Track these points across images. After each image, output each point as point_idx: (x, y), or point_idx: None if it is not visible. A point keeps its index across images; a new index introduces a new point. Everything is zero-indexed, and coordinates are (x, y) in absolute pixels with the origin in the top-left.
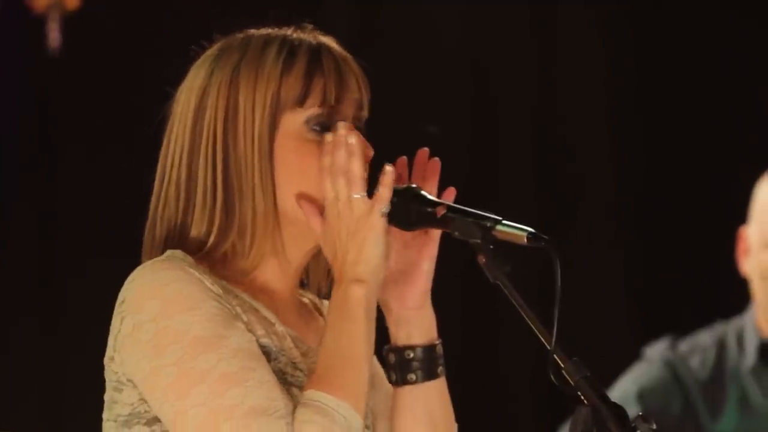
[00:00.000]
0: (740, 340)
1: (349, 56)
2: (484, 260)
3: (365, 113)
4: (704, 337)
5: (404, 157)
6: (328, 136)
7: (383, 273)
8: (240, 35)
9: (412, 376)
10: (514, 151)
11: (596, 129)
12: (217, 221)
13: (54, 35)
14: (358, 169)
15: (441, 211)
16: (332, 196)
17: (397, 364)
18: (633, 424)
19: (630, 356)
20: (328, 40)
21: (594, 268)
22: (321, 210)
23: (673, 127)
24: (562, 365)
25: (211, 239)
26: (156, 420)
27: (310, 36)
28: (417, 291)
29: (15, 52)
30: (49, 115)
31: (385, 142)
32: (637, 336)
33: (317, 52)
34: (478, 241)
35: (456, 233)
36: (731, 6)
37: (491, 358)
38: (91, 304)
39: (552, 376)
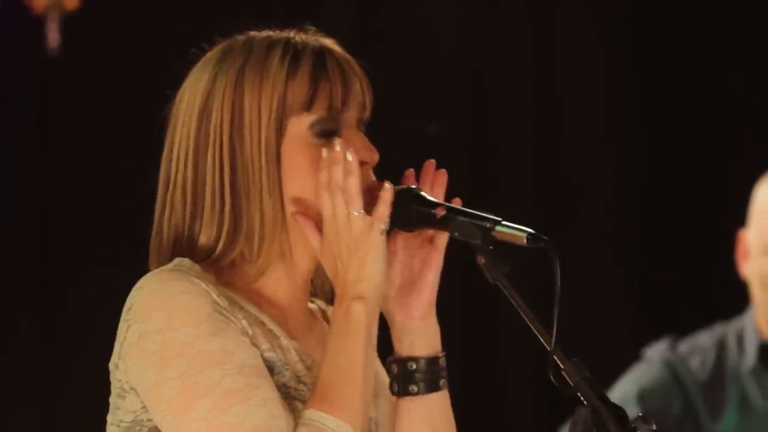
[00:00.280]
0: (740, 340)
1: (351, 59)
2: (483, 261)
3: (368, 114)
4: (704, 338)
5: (412, 170)
6: (324, 151)
7: (384, 290)
8: (242, 37)
9: (414, 388)
10: (512, 152)
11: (595, 130)
12: (225, 226)
13: (53, 35)
14: (355, 187)
15: (440, 212)
16: (330, 212)
17: (399, 374)
18: (633, 425)
19: (630, 357)
20: (331, 43)
21: (593, 268)
22: (319, 224)
23: (672, 128)
24: (562, 366)
25: (220, 245)
26: (157, 430)
27: (313, 38)
28: (422, 301)
29: (14, 53)
30: (49, 116)
31: (385, 142)
32: (637, 337)
33: (321, 55)
34: (478, 241)
35: (456, 234)
36: (729, 8)
37: (491, 359)
38: (91, 306)
39: (552, 377)
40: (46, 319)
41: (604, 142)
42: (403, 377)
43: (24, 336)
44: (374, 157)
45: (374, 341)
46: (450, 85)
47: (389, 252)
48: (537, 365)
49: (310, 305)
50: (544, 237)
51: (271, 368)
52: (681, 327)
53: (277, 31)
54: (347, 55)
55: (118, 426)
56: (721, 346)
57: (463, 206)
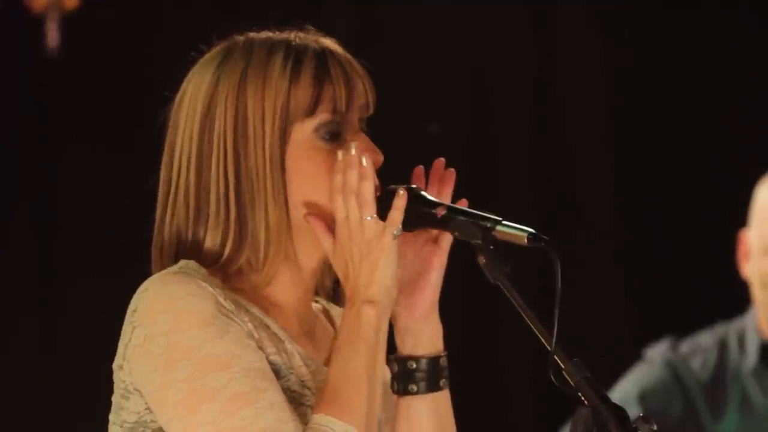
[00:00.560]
0: (741, 340)
1: (353, 59)
2: (484, 261)
3: (370, 112)
4: (705, 338)
5: (421, 167)
6: (340, 154)
7: (395, 293)
8: (242, 38)
9: (414, 387)
10: (512, 152)
11: (595, 130)
12: (231, 234)
13: (53, 35)
14: (369, 192)
15: (441, 212)
16: (343, 215)
17: (399, 373)
18: (634, 425)
19: (630, 357)
20: (332, 44)
21: (594, 268)
22: (330, 224)
23: (673, 128)
24: (563, 366)
25: (226, 252)
26: (161, 431)
27: (313, 40)
28: (425, 301)
29: (14, 52)
30: (48, 115)
31: (385, 142)
32: (638, 337)
33: (323, 57)
34: (479, 241)
35: (456, 233)
36: (730, 7)
37: (491, 359)
38: (91, 306)
39: (552, 377)
40: (46, 318)
41: (605, 142)
42: (404, 376)
43: (24, 336)
44: (378, 158)
45: (384, 345)
46: (450, 85)
47: None
48: (537, 365)
49: (314, 305)
50: (545, 237)
51: (276, 372)
52: (682, 327)
53: (277, 32)
54: (348, 56)
55: (121, 426)
56: (722, 346)
57: (466, 206)
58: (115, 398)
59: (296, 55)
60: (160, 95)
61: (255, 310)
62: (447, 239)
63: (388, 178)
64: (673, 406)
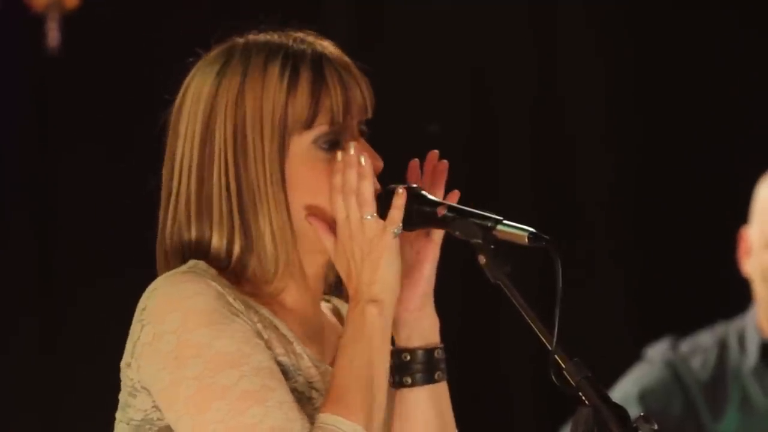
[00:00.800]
0: (741, 340)
1: (350, 62)
2: (484, 260)
3: (369, 115)
4: (705, 338)
5: (416, 160)
6: (339, 155)
7: (398, 290)
8: (241, 41)
9: (408, 380)
10: (513, 152)
11: (595, 129)
12: (237, 243)
13: (53, 34)
14: (368, 191)
15: (442, 211)
16: (343, 215)
17: (394, 366)
18: (634, 425)
19: (631, 357)
20: (329, 48)
21: (594, 268)
22: (332, 226)
23: (673, 127)
24: (563, 366)
25: (234, 260)
26: (167, 429)
27: (310, 45)
28: (417, 293)
29: (14, 51)
30: (48, 114)
31: (385, 142)
32: (638, 337)
33: (319, 65)
34: (479, 240)
35: (457, 233)
36: (729, 7)
37: (492, 359)
38: (91, 306)
39: (553, 377)
40: (46, 318)
41: (604, 142)
42: (398, 368)
43: (24, 336)
44: (378, 164)
45: (388, 343)
46: (450, 85)
47: None
48: (538, 365)
49: (325, 305)
50: (546, 236)
51: (284, 373)
52: (682, 327)
53: (275, 36)
54: (346, 59)
55: (128, 424)
56: (722, 346)
57: (464, 205)
58: (122, 396)
59: (293, 64)
60: (161, 95)
61: (264, 311)
62: (439, 232)
63: (389, 178)
64: (674, 405)
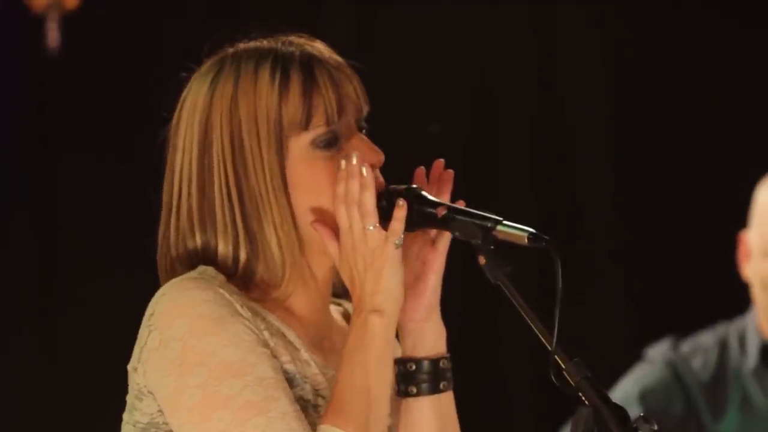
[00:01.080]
0: (742, 341)
1: (340, 61)
2: (484, 260)
3: (366, 111)
4: (706, 338)
5: (422, 168)
6: (343, 163)
7: (401, 301)
8: (231, 51)
9: (413, 389)
10: (513, 152)
11: (596, 130)
12: (243, 251)
13: (53, 35)
14: (370, 202)
15: (442, 212)
16: (346, 225)
17: (399, 375)
18: (634, 425)
19: (631, 357)
20: (319, 49)
21: (594, 268)
22: (337, 232)
23: (673, 128)
24: (563, 366)
25: (240, 267)
26: None
27: (299, 48)
28: (422, 304)
29: (14, 52)
30: (48, 115)
31: (386, 142)
32: (638, 337)
33: (309, 66)
34: (479, 241)
35: (457, 233)
36: (730, 8)
37: (492, 359)
38: (91, 309)
39: (553, 377)
40: (46, 319)
41: (605, 143)
42: (404, 378)
43: (23, 336)
44: (379, 157)
45: (391, 353)
46: (450, 86)
47: None
48: (538, 365)
49: (335, 308)
50: (545, 237)
51: (290, 381)
52: (682, 327)
53: (265, 41)
54: (336, 58)
55: (134, 426)
56: (722, 346)
57: (464, 205)
58: (129, 398)
59: (283, 66)
60: (160, 96)
61: (272, 318)
62: (444, 243)
63: (389, 178)
64: (674, 405)
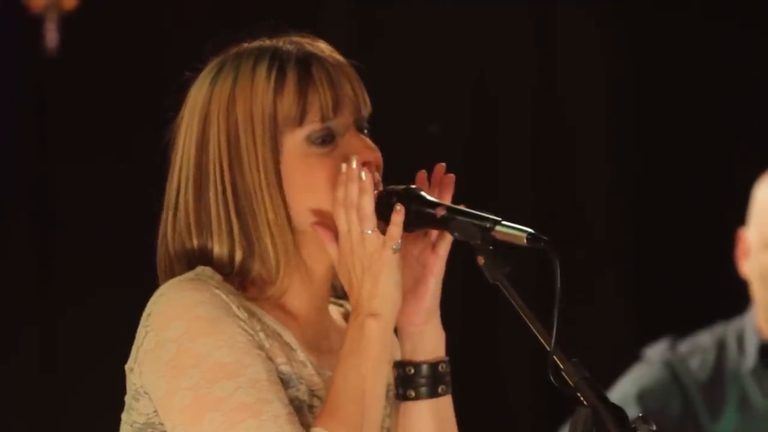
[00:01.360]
0: (740, 341)
1: (340, 60)
2: (483, 261)
3: (366, 112)
4: (704, 338)
5: (424, 172)
6: (344, 167)
7: (399, 305)
8: (233, 50)
9: (411, 393)
10: (512, 152)
11: (595, 129)
12: (238, 249)
13: (51, 35)
14: (369, 206)
15: (440, 212)
16: (345, 228)
17: (399, 378)
18: (633, 425)
19: (629, 357)
20: (319, 47)
21: (593, 268)
22: (335, 232)
23: (671, 127)
24: (562, 366)
25: (236, 265)
26: None
27: (299, 46)
28: (422, 307)
29: (12, 52)
30: (47, 115)
31: (386, 142)
32: (637, 337)
33: (306, 64)
34: (478, 241)
35: (455, 234)
36: (728, 7)
37: (490, 359)
38: (90, 312)
39: (551, 377)
40: (46, 322)
41: (604, 142)
42: (403, 381)
43: (23, 340)
44: (375, 155)
45: (386, 357)
46: (450, 85)
47: None
48: (537, 365)
49: (336, 308)
50: (544, 237)
51: (286, 382)
52: (681, 327)
53: (267, 41)
54: (337, 58)
55: (131, 426)
56: (720, 347)
57: (463, 205)
58: (127, 398)
59: (280, 64)
60: (159, 95)
61: (268, 319)
62: (445, 246)
63: (389, 178)
64: (672, 405)
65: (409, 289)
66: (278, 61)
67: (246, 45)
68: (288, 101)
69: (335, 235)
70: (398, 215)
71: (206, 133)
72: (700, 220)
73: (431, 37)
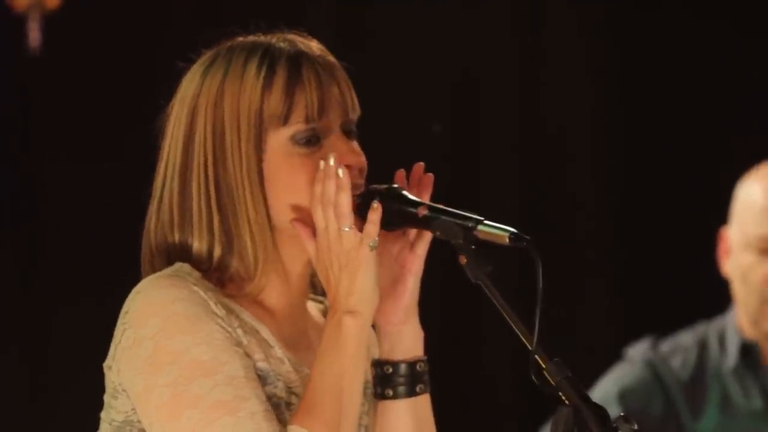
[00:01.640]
0: (722, 340)
1: (331, 61)
2: (465, 260)
3: (355, 115)
4: (685, 338)
5: (402, 171)
6: (322, 164)
7: (376, 302)
8: (227, 44)
9: (389, 392)
10: (498, 150)
11: (580, 129)
12: (218, 243)
13: (34, 34)
14: (346, 203)
15: (422, 211)
16: (322, 225)
17: (377, 377)
18: (614, 425)
19: (611, 357)
20: (313, 47)
21: (575, 267)
22: (314, 229)
23: (656, 127)
24: (544, 366)
25: (215, 260)
26: None
27: (291, 44)
28: (400, 307)
29: None
30: (30, 115)
31: (370, 141)
32: (619, 336)
33: (297, 63)
34: (460, 241)
35: (437, 233)
36: (715, 8)
37: (472, 359)
38: (78, 311)
39: (533, 377)
40: (32, 322)
41: (589, 142)
42: (381, 380)
43: (9, 340)
44: (360, 160)
45: (363, 354)
46: (435, 86)
47: None
48: (518, 365)
49: (315, 305)
50: (527, 236)
51: (263, 378)
52: (662, 326)
53: (262, 36)
54: (329, 59)
55: (110, 424)
56: (702, 346)
57: (447, 205)
58: (106, 396)
59: (271, 61)
60: (143, 94)
61: (246, 315)
62: (423, 246)
63: (376, 177)
64: (653, 405)
65: (388, 288)
66: (269, 58)
67: (240, 39)
68: (275, 99)
69: (314, 231)
70: (375, 213)
71: (194, 125)
72: (682, 219)
73: (415, 37)
